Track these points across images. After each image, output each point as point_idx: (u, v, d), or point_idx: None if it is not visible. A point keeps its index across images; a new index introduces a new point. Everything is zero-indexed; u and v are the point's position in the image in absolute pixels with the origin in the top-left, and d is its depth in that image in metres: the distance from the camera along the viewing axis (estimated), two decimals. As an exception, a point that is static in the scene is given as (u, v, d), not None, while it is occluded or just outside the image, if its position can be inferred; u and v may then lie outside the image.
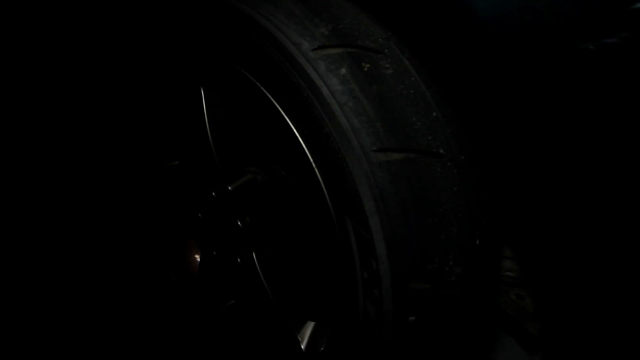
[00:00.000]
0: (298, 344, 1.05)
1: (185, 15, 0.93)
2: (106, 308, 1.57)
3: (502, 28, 0.62)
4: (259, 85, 0.85)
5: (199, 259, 1.43)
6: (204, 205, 1.17)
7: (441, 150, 0.74)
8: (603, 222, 0.65)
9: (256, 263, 1.09)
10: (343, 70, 0.73)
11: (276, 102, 0.83)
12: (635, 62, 0.58)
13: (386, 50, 0.77)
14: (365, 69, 0.73)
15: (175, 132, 1.32)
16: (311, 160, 0.81)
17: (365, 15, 0.81)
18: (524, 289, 1.14)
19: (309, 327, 1.07)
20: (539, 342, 1.06)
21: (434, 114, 0.76)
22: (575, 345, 0.73)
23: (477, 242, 0.77)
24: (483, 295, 0.81)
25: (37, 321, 1.54)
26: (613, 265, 0.67)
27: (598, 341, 0.72)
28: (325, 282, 1.29)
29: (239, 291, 1.27)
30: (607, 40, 0.59)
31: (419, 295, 0.74)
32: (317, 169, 0.80)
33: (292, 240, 1.18)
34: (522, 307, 1.14)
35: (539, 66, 0.61)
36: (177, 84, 1.11)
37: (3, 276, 1.59)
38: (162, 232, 1.45)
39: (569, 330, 0.73)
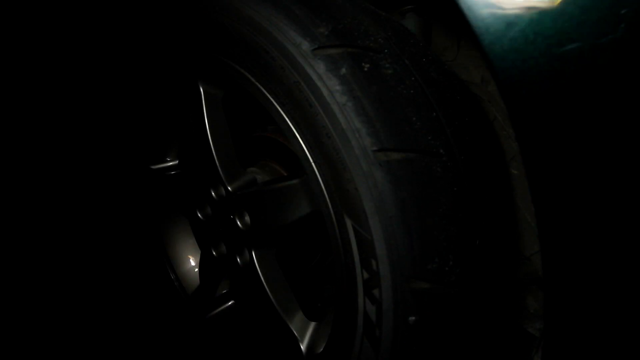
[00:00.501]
0: (298, 344, 1.05)
1: (186, 15, 0.93)
2: (105, 307, 1.57)
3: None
4: (259, 85, 0.85)
5: (192, 261, 1.43)
6: (204, 205, 1.18)
7: (441, 150, 0.74)
8: (604, 221, 0.65)
9: (256, 263, 1.09)
10: (343, 70, 0.73)
11: (276, 102, 0.83)
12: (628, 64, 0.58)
13: (386, 50, 0.77)
14: (365, 69, 0.73)
15: (175, 132, 1.33)
16: (311, 160, 0.81)
17: (365, 15, 0.81)
18: (524, 289, 1.14)
19: (309, 327, 1.07)
20: (539, 342, 1.06)
21: (434, 114, 0.76)
22: (575, 345, 0.73)
23: (477, 242, 0.77)
24: (483, 295, 0.80)
25: (34, 321, 1.54)
26: (615, 265, 0.67)
27: (599, 342, 0.72)
28: (325, 282, 1.29)
29: (239, 291, 1.27)
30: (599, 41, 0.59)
31: (419, 295, 0.74)
32: (317, 169, 0.80)
33: (292, 241, 1.18)
34: (522, 307, 1.14)
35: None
36: (177, 84, 1.11)
37: (3, 276, 1.59)
38: (162, 231, 1.45)
39: (569, 330, 0.72)
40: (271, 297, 1.07)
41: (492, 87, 1.11)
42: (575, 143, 0.62)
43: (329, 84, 0.73)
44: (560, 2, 0.60)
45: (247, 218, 1.06)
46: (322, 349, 1.00)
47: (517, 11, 0.62)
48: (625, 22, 0.58)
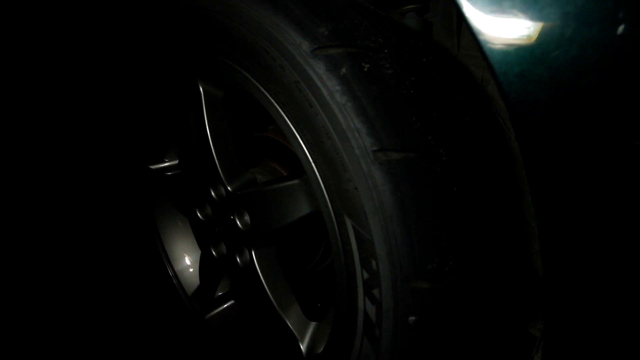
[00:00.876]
0: (297, 343, 1.05)
1: (185, 15, 0.93)
2: (104, 306, 1.57)
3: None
4: (258, 85, 0.85)
5: (187, 260, 1.43)
6: (203, 205, 1.17)
7: (441, 150, 0.74)
8: (604, 221, 0.65)
9: (255, 263, 1.09)
10: (343, 70, 0.73)
11: (276, 102, 0.83)
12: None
13: (386, 50, 0.77)
14: (365, 69, 0.73)
15: (175, 132, 1.33)
16: (311, 160, 0.81)
17: (365, 15, 0.81)
18: (524, 289, 1.14)
19: (309, 327, 1.07)
20: (539, 342, 1.06)
21: (434, 114, 0.76)
22: (575, 345, 0.73)
23: (478, 242, 0.77)
24: (483, 295, 0.80)
25: (34, 320, 1.53)
26: (615, 264, 0.67)
27: (599, 341, 0.72)
28: (325, 282, 1.29)
29: (238, 291, 1.27)
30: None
31: (419, 295, 0.74)
32: (317, 169, 0.80)
33: (292, 241, 1.18)
34: (522, 307, 1.14)
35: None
36: (177, 85, 1.11)
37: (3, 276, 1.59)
38: (161, 232, 1.44)
39: (569, 330, 0.73)
40: (271, 297, 1.07)
41: (492, 87, 1.11)
42: (576, 143, 0.62)
43: (328, 84, 0.73)
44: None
45: (247, 218, 1.06)
46: (322, 349, 1.00)
47: (516, 12, 0.62)
48: (625, 22, 0.58)
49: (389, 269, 0.74)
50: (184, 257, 1.43)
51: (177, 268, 1.42)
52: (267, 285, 1.08)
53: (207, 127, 1.05)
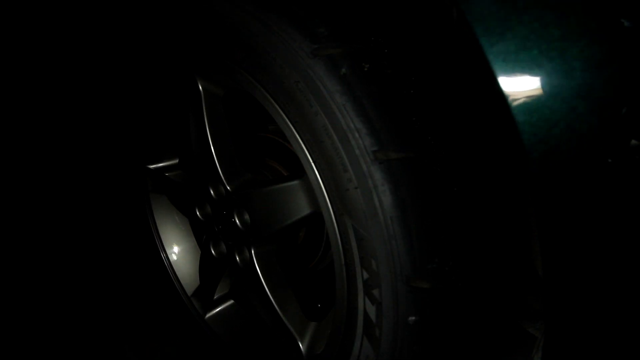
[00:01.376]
0: (297, 344, 1.05)
1: (185, 14, 0.93)
2: (104, 306, 1.57)
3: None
4: (258, 85, 0.85)
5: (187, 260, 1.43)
6: (203, 205, 1.17)
7: (441, 150, 0.74)
8: (605, 221, 0.65)
9: (255, 263, 1.09)
10: (343, 70, 0.73)
11: (276, 102, 0.83)
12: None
13: (386, 50, 0.77)
14: (365, 69, 0.73)
15: (174, 132, 1.33)
16: (311, 160, 0.80)
17: (365, 14, 0.81)
18: (524, 289, 1.14)
19: (309, 327, 1.07)
20: (539, 342, 1.06)
21: (434, 114, 0.76)
22: (575, 345, 0.73)
23: (478, 242, 0.77)
24: (483, 295, 0.80)
25: (34, 320, 1.53)
26: (615, 264, 0.67)
27: (599, 341, 0.72)
28: (325, 281, 1.29)
29: (238, 291, 1.27)
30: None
31: (419, 295, 0.74)
32: (317, 169, 0.80)
33: (292, 240, 1.18)
34: (522, 307, 1.14)
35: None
36: (177, 84, 1.11)
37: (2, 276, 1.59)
38: (161, 230, 1.44)
39: (569, 330, 0.73)
40: (271, 297, 1.07)
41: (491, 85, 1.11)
42: (575, 142, 0.62)
43: (328, 84, 0.73)
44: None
45: (246, 218, 1.06)
46: (322, 349, 1.00)
47: (517, 12, 0.62)
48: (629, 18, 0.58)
49: (389, 269, 0.74)
50: (184, 257, 1.43)
51: (177, 268, 1.42)
52: (267, 285, 1.08)
53: (207, 127, 1.05)
